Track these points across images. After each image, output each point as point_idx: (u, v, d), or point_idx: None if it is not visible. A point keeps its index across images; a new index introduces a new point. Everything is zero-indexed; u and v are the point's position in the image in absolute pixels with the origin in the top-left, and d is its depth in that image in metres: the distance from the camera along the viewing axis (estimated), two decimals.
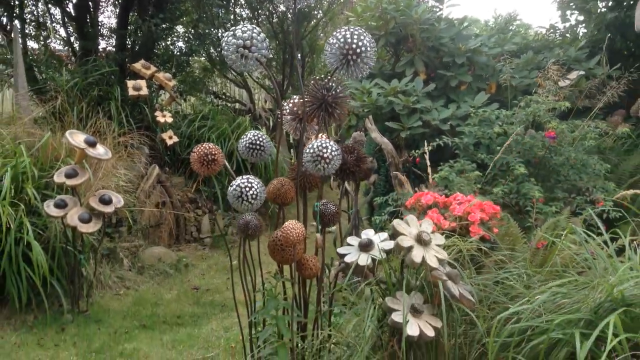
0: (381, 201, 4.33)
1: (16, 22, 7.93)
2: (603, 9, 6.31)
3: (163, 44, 8.79)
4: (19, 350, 3.75)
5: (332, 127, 11.07)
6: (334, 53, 2.51)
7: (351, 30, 2.50)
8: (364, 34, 2.51)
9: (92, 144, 4.24)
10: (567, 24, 6.79)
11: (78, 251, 4.46)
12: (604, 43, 5.86)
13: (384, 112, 4.90)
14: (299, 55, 11.40)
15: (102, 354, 3.72)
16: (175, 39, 9.33)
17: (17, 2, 7.89)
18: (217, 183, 6.77)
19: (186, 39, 9.38)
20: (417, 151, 4.25)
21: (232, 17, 10.39)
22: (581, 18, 6.75)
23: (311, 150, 2.31)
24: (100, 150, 4.33)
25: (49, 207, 4.13)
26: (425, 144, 4.16)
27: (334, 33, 2.53)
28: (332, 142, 2.33)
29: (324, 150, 2.29)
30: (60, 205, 4.14)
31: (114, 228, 5.56)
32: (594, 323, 2.14)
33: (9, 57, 8.35)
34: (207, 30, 9.29)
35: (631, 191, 3.46)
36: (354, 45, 2.46)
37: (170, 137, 6.52)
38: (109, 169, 5.19)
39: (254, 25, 2.45)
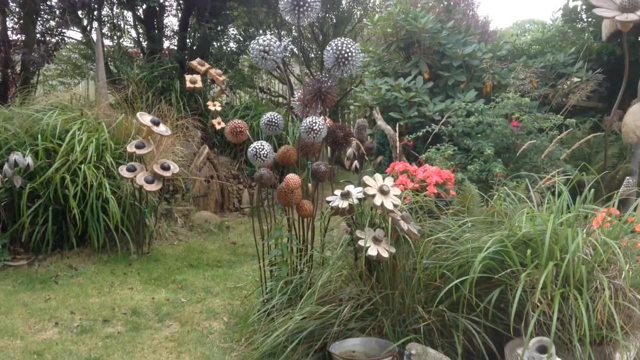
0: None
1: (95, 23, 9.08)
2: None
3: (217, 44, 9.81)
4: (97, 277, 4.78)
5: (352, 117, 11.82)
6: (329, 57, 3.38)
7: (342, 40, 3.36)
8: (352, 44, 3.36)
9: (157, 123, 5.24)
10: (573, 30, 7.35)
11: (143, 207, 5.48)
12: (605, 50, 6.49)
13: (390, 105, 5.72)
14: None
15: (159, 280, 4.71)
16: (227, 39, 10.35)
17: (95, 6, 8.98)
18: None
19: (237, 40, 10.38)
20: (410, 136, 5.07)
21: (278, 20, 11.30)
22: (585, 26, 7.33)
23: (305, 124, 3.19)
24: (162, 128, 5.31)
25: (123, 171, 5.14)
26: (404, 131, 4.96)
27: (330, 42, 3.39)
28: (320, 119, 3.20)
29: (314, 124, 3.17)
30: (131, 169, 5.15)
31: (170, 194, 6.57)
32: (497, 250, 2.95)
33: (89, 52, 9.57)
34: (255, 32, 10.27)
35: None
36: (343, 52, 3.32)
37: (219, 123, 7.51)
38: (168, 145, 6.19)
39: (272, 36, 3.34)
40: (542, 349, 2.66)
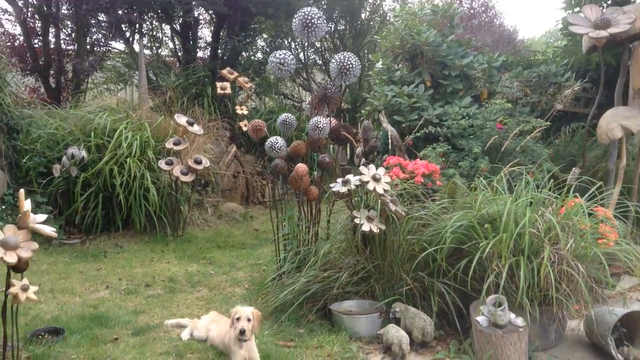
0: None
1: (137, 36, 9.83)
2: None
3: (245, 55, 10.48)
4: (140, 253, 5.44)
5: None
6: (334, 68, 3.96)
7: (344, 54, 3.93)
8: (352, 57, 3.93)
9: (191, 124, 5.89)
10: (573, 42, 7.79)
11: (179, 196, 6.13)
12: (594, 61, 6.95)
13: (395, 109, 6.27)
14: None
15: (192, 257, 5.35)
16: (255, 50, 11.02)
17: (137, 20, 9.69)
18: None
19: (264, 50, 11.05)
20: (410, 136, 5.62)
21: None
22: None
23: (312, 123, 3.78)
24: (196, 128, 5.96)
25: (162, 164, 5.80)
26: (406, 132, 5.49)
27: (335, 56, 3.97)
28: (324, 119, 3.79)
29: (319, 123, 3.76)
30: (169, 163, 5.81)
31: (202, 187, 7.23)
32: (467, 226, 3.49)
33: (130, 61, 10.33)
34: (281, 44, 10.92)
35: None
36: (345, 64, 3.90)
37: (246, 125, 8.14)
38: (200, 144, 6.85)
39: (286, 51, 3.94)
40: (498, 304, 3.20)
